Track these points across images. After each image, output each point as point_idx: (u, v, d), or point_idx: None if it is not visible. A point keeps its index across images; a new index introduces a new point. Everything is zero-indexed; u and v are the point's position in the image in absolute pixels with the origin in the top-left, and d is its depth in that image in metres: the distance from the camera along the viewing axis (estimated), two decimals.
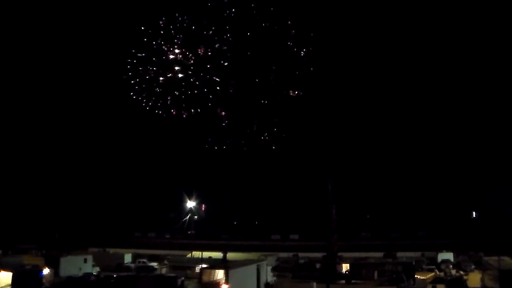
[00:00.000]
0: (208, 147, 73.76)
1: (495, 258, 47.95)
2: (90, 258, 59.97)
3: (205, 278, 45.00)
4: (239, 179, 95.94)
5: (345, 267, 60.41)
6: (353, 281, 55.85)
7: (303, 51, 75.08)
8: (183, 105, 75.06)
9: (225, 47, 74.94)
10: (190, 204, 74.58)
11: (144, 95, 74.85)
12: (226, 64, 77.79)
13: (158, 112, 73.24)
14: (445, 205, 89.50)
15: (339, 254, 65.39)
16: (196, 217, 76.37)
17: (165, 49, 75.23)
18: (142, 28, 70.52)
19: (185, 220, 76.04)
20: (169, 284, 47.51)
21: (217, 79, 74.54)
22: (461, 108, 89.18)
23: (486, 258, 56.49)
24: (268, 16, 75.05)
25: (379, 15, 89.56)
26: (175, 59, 75.26)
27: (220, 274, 44.03)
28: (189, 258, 67.59)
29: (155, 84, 76.02)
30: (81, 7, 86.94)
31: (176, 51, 75.78)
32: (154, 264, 66.22)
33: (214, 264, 49.29)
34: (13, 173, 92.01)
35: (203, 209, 77.59)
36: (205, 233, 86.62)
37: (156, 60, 75.56)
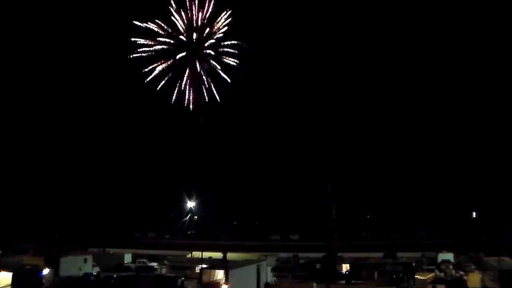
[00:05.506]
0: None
1: (495, 258, 47.97)
2: (90, 258, 59.69)
3: (205, 278, 44.98)
4: (239, 179, 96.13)
5: (345, 267, 60.37)
6: (353, 281, 55.80)
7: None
8: None
9: None
10: (190, 204, 74.42)
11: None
12: None
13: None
14: (445, 205, 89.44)
15: (339, 254, 65.24)
16: (196, 217, 76.23)
17: None
18: None
19: (185, 220, 75.87)
20: (169, 284, 47.45)
21: None
22: (461, 108, 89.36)
23: (486, 259, 56.53)
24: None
25: (378, 15, 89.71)
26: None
27: (220, 274, 44.04)
28: (189, 258, 67.42)
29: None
30: None
31: None
32: (154, 264, 66.02)
33: (214, 264, 49.21)
34: (13, 173, 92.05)
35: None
36: (205, 233, 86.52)
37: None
